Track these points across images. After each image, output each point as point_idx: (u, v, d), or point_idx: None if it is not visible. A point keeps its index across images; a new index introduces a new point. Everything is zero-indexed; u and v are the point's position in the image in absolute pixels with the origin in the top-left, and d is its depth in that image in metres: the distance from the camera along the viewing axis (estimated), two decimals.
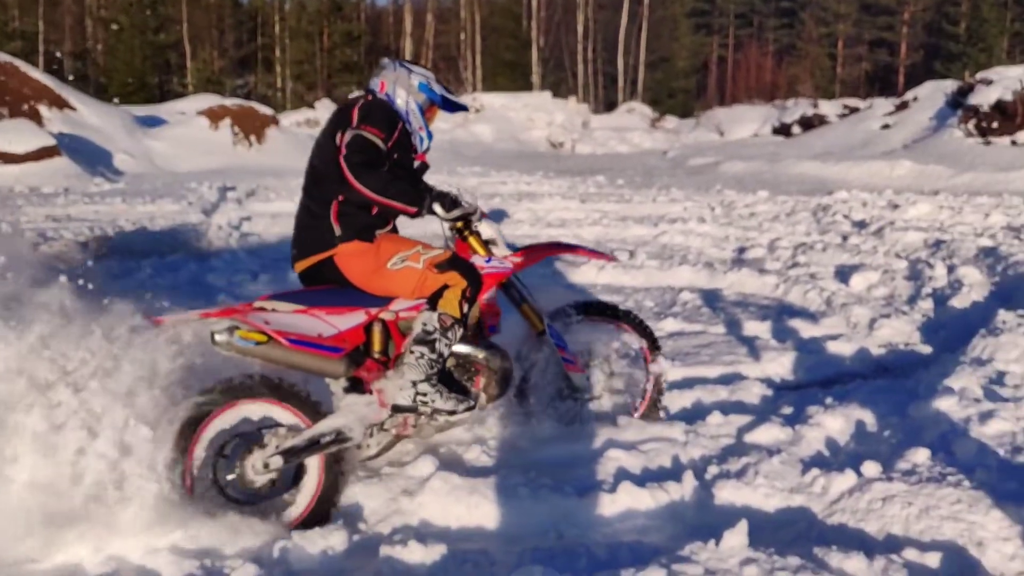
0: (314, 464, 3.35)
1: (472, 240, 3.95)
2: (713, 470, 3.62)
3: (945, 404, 3.97)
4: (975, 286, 6.95)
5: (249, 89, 46.51)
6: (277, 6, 46.84)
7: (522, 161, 19.99)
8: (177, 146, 20.70)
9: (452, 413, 3.62)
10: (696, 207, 12.54)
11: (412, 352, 3.56)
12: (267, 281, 6.90)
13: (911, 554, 2.80)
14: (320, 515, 3.31)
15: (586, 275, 7.74)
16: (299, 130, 27.31)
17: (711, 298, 7.15)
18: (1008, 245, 8.52)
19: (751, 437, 3.96)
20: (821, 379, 5.12)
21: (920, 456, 3.41)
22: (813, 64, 52.17)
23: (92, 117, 20.15)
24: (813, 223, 10.81)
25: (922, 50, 52.09)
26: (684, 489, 3.44)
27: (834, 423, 4.06)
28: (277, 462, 3.26)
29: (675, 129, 36.91)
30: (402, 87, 3.82)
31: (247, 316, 3.32)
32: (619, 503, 3.38)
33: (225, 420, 3.29)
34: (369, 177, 3.50)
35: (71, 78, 35.91)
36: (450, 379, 3.75)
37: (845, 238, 9.59)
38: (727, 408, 4.44)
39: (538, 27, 46.44)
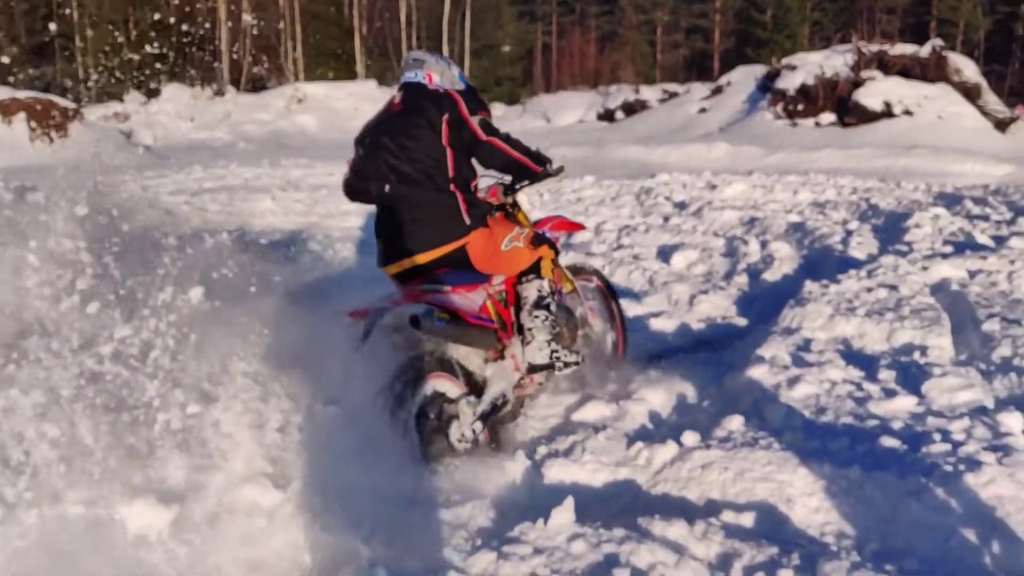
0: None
1: (521, 216, 4.37)
2: (542, 450, 3.68)
3: (757, 372, 4.18)
4: (785, 260, 7.37)
5: (48, 81, 43.34)
6: None
7: (350, 152, 19.53)
8: None
9: (576, 365, 4.04)
10: (524, 194, 12.67)
11: (536, 317, 3.95)
12: None
13: (728, 516, 2.94)
14: None
15: None
16: (107, 124, 25.80)
17: None
18: (814, 220, 9.06)
19: (578, 415, 4.06)
20: (645, 355, 5.29)
21: (735, 423, 3.59)
22: (634, 50, 53.89)
23: None
24: (637, 206, 11.14)
25: (733, 36, 54.77)
26: (515, 470, 3.48)
27: (656, 397, 4.23)
28: (479, 427, 3.59)
29: (503, 116, 37.20)
30: (447, 79, 4.04)
31: (431, 297, 3.64)
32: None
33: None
34: (518, 146, 3.99)
35: None
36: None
37: (666, 219, 9.93)
38: (555, 388, 4.52)
39: (360, 15, 45.77)
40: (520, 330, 3.98)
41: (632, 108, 30.91)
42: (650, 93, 31.84)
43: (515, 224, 4.24)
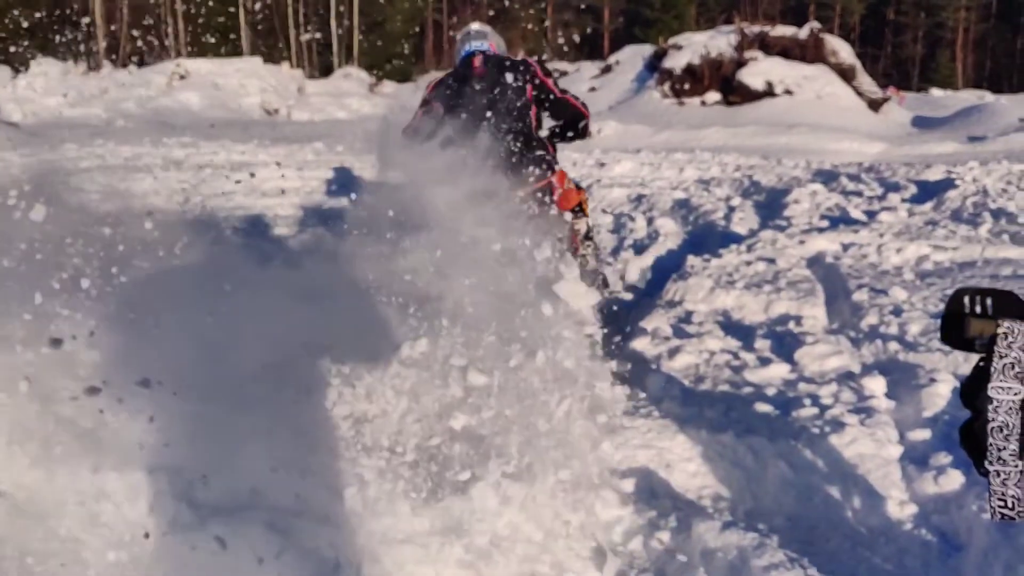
0: None
1: None
2: None
3: (640, 344, 4.29)
4: (670, 235, 7.54)
5: None
6: None
7: (235, 130, 19.03)
8: None
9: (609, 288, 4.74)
10: None
11: (589, 246, 4.60)
12: None
13: (611, 482, 3.01)
14: None
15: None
16: None
17: None
18: (698, 197, 9.29)
19: None
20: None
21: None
22: (525, 29, 54.01)
23: None
24: None
25: (623, 16, 55.46)
26: None
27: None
28: None
29: (394, 94, 36.75)
30: (501, 50, 4.69)
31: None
32: None
33: None
34: (582, 103, 4.66)
35: None
36: None
37: None
38: None
39: None
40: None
41: None
42: None
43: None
